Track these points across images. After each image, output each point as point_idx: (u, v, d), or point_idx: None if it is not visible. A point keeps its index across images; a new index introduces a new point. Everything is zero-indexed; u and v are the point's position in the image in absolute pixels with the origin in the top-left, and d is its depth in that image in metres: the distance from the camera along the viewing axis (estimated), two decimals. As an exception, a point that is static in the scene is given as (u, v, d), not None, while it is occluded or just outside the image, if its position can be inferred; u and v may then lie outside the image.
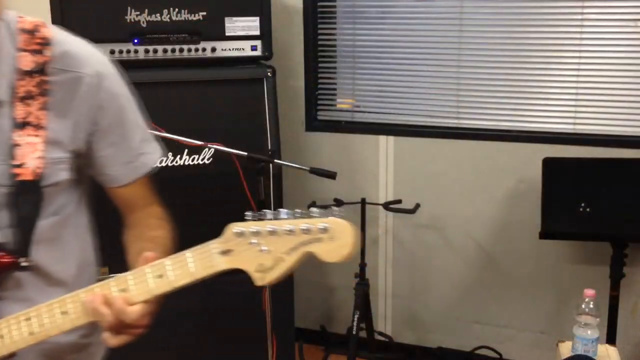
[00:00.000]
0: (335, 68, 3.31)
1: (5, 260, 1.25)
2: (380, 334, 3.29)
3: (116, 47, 2.60)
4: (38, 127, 1.24)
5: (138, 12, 2.60)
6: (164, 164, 2.54)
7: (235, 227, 1.09)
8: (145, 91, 2.68)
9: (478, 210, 3.13)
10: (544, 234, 2.71)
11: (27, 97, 1.24)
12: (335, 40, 3.28)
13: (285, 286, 2.80)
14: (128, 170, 1.37)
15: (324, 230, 1.06)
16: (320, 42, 3.27)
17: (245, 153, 2.46)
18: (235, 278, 2.92)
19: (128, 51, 2.62)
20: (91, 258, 1.46)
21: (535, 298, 3.12)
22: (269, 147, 2.66)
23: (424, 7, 3.10)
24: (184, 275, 1.13)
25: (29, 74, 1.24)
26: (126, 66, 2.75)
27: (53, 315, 1.20)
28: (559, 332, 2.89)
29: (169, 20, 2.63)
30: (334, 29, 3.27)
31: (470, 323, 3.27)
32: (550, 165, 2.74)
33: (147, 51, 2.64)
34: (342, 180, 2.78)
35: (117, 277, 1.17)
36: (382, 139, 3.22)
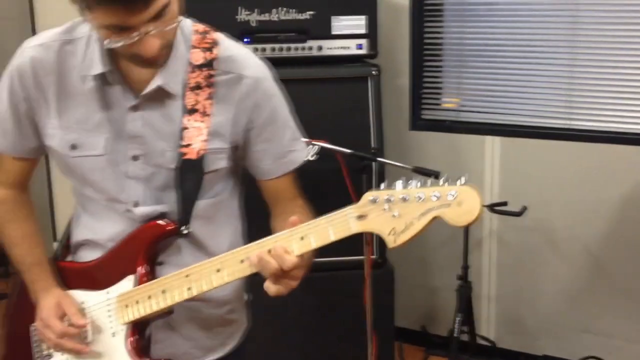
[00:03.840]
0: (441, 67, 3.28)
1: (169, 227, 1.43)
2: (483, 338, 3.23)
3: (227, 46, 2.68)
4: (204, 114, 1.41)
5: (248, 12, 2.67)
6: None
7: (370, 195, 1.22)
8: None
9: (588, 215, 3.01)
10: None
11: (196, 88, 1.41)
12: (442, 38, 3.24)
13: (386, 285, 2.81)
14: (278, 165, 1.51)
15: (452, 195, 1.17)
16: (426, 41, 3.24)
17: (349, 150, 2.48)
18: (338, 275, 2.96)
19: (238, 50, 2.69)
20: (239, 241, 1.59)
21: (649, 308, 2.97)
22: (373, 145, 2.67)
23: (535, 3, 3.01)
24: (323, 237, 1.26)
25: (199, 67, 1.41)
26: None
27: (208, 272, 1.35)
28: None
29: (277, 19, 2.69)
30: (441, 26, 3.23)
31: (578, 332, 3.14)
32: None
33: (256, 50, 2.70)
34: (446, 180, 2.74)
35: (265, 239, 1.31)
36: (488, 139, 3.16)
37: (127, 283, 1.44)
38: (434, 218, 1.18)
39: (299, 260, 1.28)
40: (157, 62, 1.34)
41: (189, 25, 1.45)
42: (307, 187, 2.63)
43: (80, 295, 1.49)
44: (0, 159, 1.53)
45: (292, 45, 2.71)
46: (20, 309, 1.59)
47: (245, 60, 1.45)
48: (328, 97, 2.70)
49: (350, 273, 2.67)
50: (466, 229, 2.94)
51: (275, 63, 2.67)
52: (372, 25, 2.74)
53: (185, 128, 1.40)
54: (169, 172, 1.42)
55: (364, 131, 2.69)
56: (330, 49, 2.74)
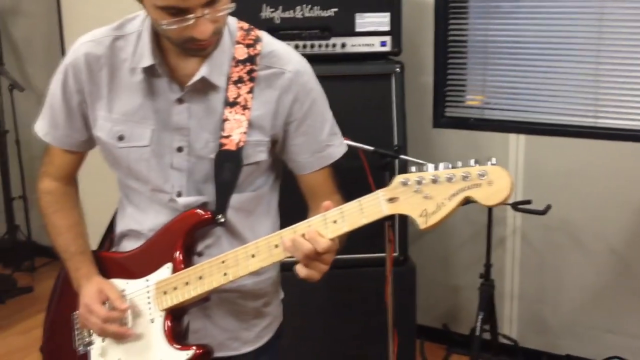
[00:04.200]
0: (465, 64, 3.26)
1: (206, 216, 1.47)
2: (505, 336, 3.21)
3: (251, 43, 2.69)
4: (244, 107, 1.45)
5: (272, 9, 2.68)
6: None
7: (401, 177, 1.24)
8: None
9: (613, 214, 2.98)
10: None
11: (238, 81, 1.45)
12: (466, 35, 3.22)
13: (407, 282, 2.81)
14: (315, 160, 1.54)
15: (482, 175, 1.17)
16: (450, 38, 3.23)
17: (372, 148, 2.47)
18: (360, 272, 2.96)
19: (262, 47, 2.70)
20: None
21: (676, 310, 2.93)
22: (395, 143, 2.67)
23: (561, 0, 2.98)
24: (355, 220, 1.28)
25: (242, 62, 1.46)
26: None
27: (244, 257, 1.38)
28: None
29: (301, 16, 2.69)
30: (466, 24, 3.21)
31: (601, 331, 3.12)
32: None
33: (279, 47, 2.71)
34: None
35: (299, 224, 1.34)
36: (513, 137, 3.14)
37: (166, 270, 1.47)
38: (465, 198, 1.18)
39: (331, 243, 1.30)
40: (206, 49, 1.38)
41: (233, 22, 1.50)
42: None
43: (120, 283, 1.54)
44: (50, 152, 1.59)
45: (316, 43, 2.71)
46: (63, 298, 1.64)
47: (286, 56, 1.49)
48: (351, 94, 2.70)
49: (372, 270, 2.67)
50: (489, 227, 2.92)
51: (299, 60, 2.72)
52: (396, 22, 2.73)
53: (226, 119, 1.44)
54: (210, 162, 1.46)
55: (387, 128, 2.69)
56: (354, 46, 2.73)
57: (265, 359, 1.65)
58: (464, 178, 1.18)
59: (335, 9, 2.69)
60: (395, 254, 2.71)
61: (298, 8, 2.68)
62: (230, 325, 1.58)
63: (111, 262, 1.58)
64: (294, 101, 1.47)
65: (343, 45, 2.72)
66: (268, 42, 1.50)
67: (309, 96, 1.49)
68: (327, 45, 2.72)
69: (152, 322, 1.49)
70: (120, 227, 1.61)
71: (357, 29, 2.72)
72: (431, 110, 3.29)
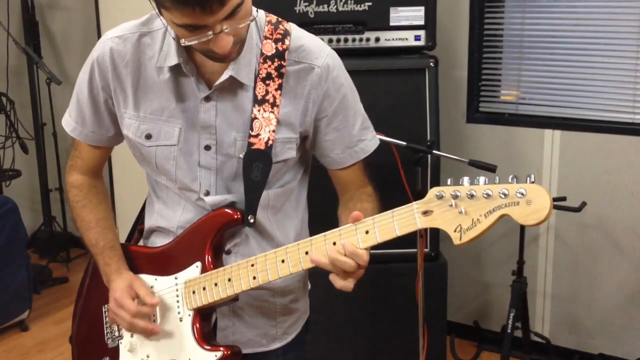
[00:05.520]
0: (500, 59, 3.23)
1: (236, 216, 1.45)
2: (537, 334, 3.18)
3: (284, 37, 2.70)
4: (273, 105, 1.43)
5: (307, 3, 2.68)
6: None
7: (436, 190, 1.20)
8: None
9: (651, 212, 2.93)
10: None
11: (266, 78, 1.43)
12: (502, 30, 3.19)
13: (439, 278, 2.79)
14: (347, 155, 1.52)
15: (521, 194, 1.13)
16: (486, 32, 3.20)
17: (404, 143, 2.46)
18: (391, 267, 2.96)
19: (295, 41, 2.70)
20: (306, 231, 1.62)
21: None
22: (428, 138, 2.65)
23: (599, -5, 2.94)
24: (388, 231, 1.26)
25: (271, 58, 1.43)
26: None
27: (273, 262, 1.37)
28: None
29: (335, 10, 2.69)
30: (502, 18, 3.18)
31: (636, 331, 3.07)
32: None
33: (313, 41, 2.71)
34: (502, 174, 2.69)
35: (327, 233, 1.32)
36: (548, 132, 3.10)
37: (195, 270, 1.47)
38: (502, 216, 1.15)
39: (368, 254, 1.29)
40: (229, 57, 1.35)
41: (262, 16, 1.47)
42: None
43: (149, 279, 1.54)
44: (78, 146, 1.58)
45: (350, 37, 2.70)
46: (92, 291, 1.65)
47: (315, 50, 1.46)
48: (384, 88, 2.69)
49: (403, 266, 2.67)
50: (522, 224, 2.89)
51: (333, 54, 2.72)
52: (431, 16, 2.71)
53: (255, 118, 1.42)
54: (239, 161, 1.44)
55: (420, 123, 2.68)
56: (388, 40, 2.72)
57: (293, 354, 1.65)
58: (502, 195, 1.15)
59: (370, 3, 2.68)
60: (427, 250, 2.70)
61: (332, 2, 2.67)
62: (258, 323, 1.57)
63: (140, 256, 1.58)
64: (324, 97, 1.45)
65: (377, 40, 2.71)
66: (297, 36, 1.47)
67: (339, 91, 1.47)
68: (360, 40, 2.71)
69: (181, 320, 1.48)
70: (148, 223, 1.60)
71: (392, 23, 2.71)
72: (465, 105, 3.27)
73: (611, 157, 2.99)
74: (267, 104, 1.42)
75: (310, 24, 2.69)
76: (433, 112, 2.69)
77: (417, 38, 2.72)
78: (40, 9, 4.50)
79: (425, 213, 1.21)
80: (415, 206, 1.22)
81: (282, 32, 1.45)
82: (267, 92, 1.42)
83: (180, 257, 1.50)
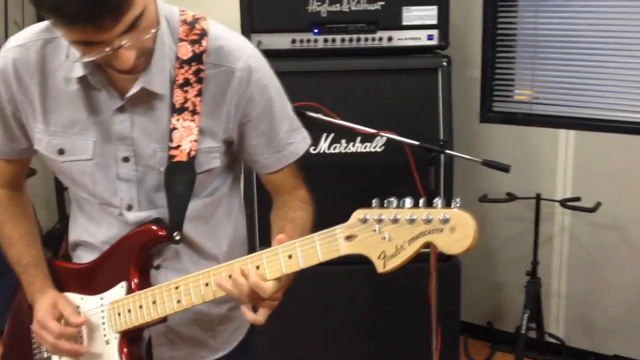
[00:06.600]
0: (514, 58, 3.21)
1: (160, 233, 1.38)
2: (551, 335, 3.16)
3: (297, 36, 2.70)
4: (194, 112, 1.33)
5: (319, 3, 2.68)
6: (336, 151, 2.61)
7: (360, 214, 1.14)
8: (322, 79, 2.79)
9: (667, 213, 2.90)
10: None
11: (184, 85, 1.33)
12: (515, 29, 3.17)
13: (452, 278, 2.78)
14: (276, 159, 1.44)
15: (445, 221, 1.07)
16: (499, 31, 3.18)
17: (417, 142, 2.46)
18: (404, 266, 2.95)
19: (308, 40, 2.70)
20: (242, 236, 1.57)
21: None
22: (441, 138, 2.64)
23: (614, -7, 2.92)
24: (310, 257, 1.19)
25: (187, 62, 1.33)
26: (305, 55, 2.87)
27: (197, 286, 1.30)
28: None
29: (348, 10, 2.68)
30: (515, 17, 3.16)
31: (652, 333, 3.05)
32: None
33: (326, 40, 2.71)
34: (516, 174, 2.70)
35: (253, 255, 1.26)
36: (562, 132, 3.08)
37: (120, 290, 1.40)
38: (426, 243, 1.09)
39: (276, 284, 1.24)
40: (136, 70, 1.27)
41: (175, 16, 1.36)
42: (374, 179, 2.65)
43: (75, 298, 1.47)
44: None
45: (362, 36, 2.70)
46: (20, 310, 1.57)
47: (236, 51, 1.35)
48: (397, 88, 2.68)
49: (416, 265, 2.62)
50: (536, 224, 2.88)
51: (345, 54, 2.73)
52: (444, 15, 2.70)
53: (175, 128, 1.33)
54: (161, 173, 1.36)
55: (433, 123, 2.67)
56: (401, 39, 2.71)
57: (244, 358, 1.60)
58: (426, 221, 1.08)
59: (382, 3, 2.67)
60: (440, 250, 2.69)
61: (345, 1, 2.67)
62: (195, 335, 1.50)
63: (66, 273, 1.50)
64: (247, 101, 1.35)
65: (389, 39, 2.70)
66: (216, 36, 1.36)
67: (263, 94, 1.37)
68: (373, 39, 2.70)
69: (108, 343, 1.41)
70: (72, 236, 1.52)
71: (404, 23, 2.70)
72: (478, 104, 3.25)
73: (626, 158, 2.96)
74: (186, 112, 1.33)
75: (322, 24, 2.69)
76: (446, 111, 2.67)
77: (429, 37, 2.71)
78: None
79: (348, 238, 1.15)
80: (338, 230, 1.16)
81: (198, 32, 1.35)
82: (185, 100, 1.32)
83: (105, 275, 1.43)
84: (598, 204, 2.80)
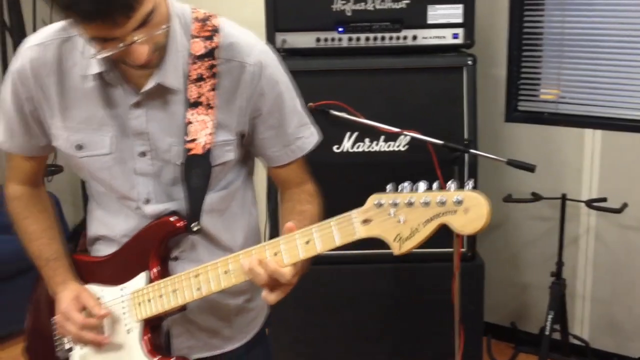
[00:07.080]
0: (540, 57, 3.18)
1: (179, 225, 1.42)
2: (576, 337, 3.13)
3: (322, 35, 2.70)
4: (208, 106, 1.37)
5: (344, 1, 2.68)
6: (360, 150, 2.61)
7: (375, 198, 1.17)
8: (346, 78, 2.79)
9: (695, 214, 2.86)
10: None
11: (198, 80, 1.37)
12: (542, 27, 3.14)
13: (475, 279, 2.77)
14: (284, 153, 1.48)
15: (459, 202, 1.10)
16: (525, 30, 3.16)
17: (441, 142, 2.45)
18: (426, 267, 2.94)
19: (332, 39, 2.70)
20: (256, 229, 1.60)
21: None
22: (466, 137, 2.63)
23: (643, -9, 2.88)
24: (328, 241, 1.23)
25: (201, 58, 1.37)
26: (330, 54, 2.87)
27: (217, 273, 1.34)
28: None
29: (372, 8, 2.68)
30: (542, 15, 3.13)
31: (679, 336, 3.01)
32: None
33: (350, 39, 2.71)
34: (541, 174, 2.68)
35: (271, 242, 1.29)
36: (588, 132, 3.05)
37: (140, 280, 1.44)
38: (440, 225, 1.12)
39: (294, 269, 1.27)
40: (150, 65, 1.30)
41: (188, 13, 1.40)
42: (397, 179, 2.63)
43: (96, 289, 1.50)
44: (11, 157, 1.53)
45: (387, 35, 2.69)
46: (41, 303, 1.60)
47: (247, 46, 1.40)
48: (421, 87, 2.67)
49: (439, 266, 2.65)
50: (562, 224, 2.85)
51: (370, 52, 2.73)
52: (469, 14, 2.69)
53: (190, 122, 1.37)
54: (177, 167, 1.40)
55: (457, 122, 2.65)
56: (425, 38, 2.70)
57: (257, 351, 1.63)
58: (440, 203, 1.11)
59: (407, 1, 2.67)
60: (463, 250, 2.68)
61: (370, 0, 2.67)
62: (213, 325, 1.54)
63: (86, 266, 1.54)
64: (258, 95, 1.40)
65: (414, 38, 2.70)
66: (228, 32, 1.40)
67: (274, 89, 1.42)
68: (398, 38, 2.69)
69: (129, 332, 1.45)
70: (91, 231, 1.55)
71: (429, 21, 2.69)
72: (503, 104, 3.23)
73: (654, 158, 2.93)
74: (201, 106, 1.37)
75: (347, 22, 2.69)
76: (470, 110, 2.66)
77: (455, 36, 2.70)
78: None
79: (364, 222, 1.18)
80: (354, 215, 1.19)
81: (210, 28, 1.39)
82: (200, 95, 1.37)
83: (125, 267, 1.46)
84: (624, 205, 2.77)
